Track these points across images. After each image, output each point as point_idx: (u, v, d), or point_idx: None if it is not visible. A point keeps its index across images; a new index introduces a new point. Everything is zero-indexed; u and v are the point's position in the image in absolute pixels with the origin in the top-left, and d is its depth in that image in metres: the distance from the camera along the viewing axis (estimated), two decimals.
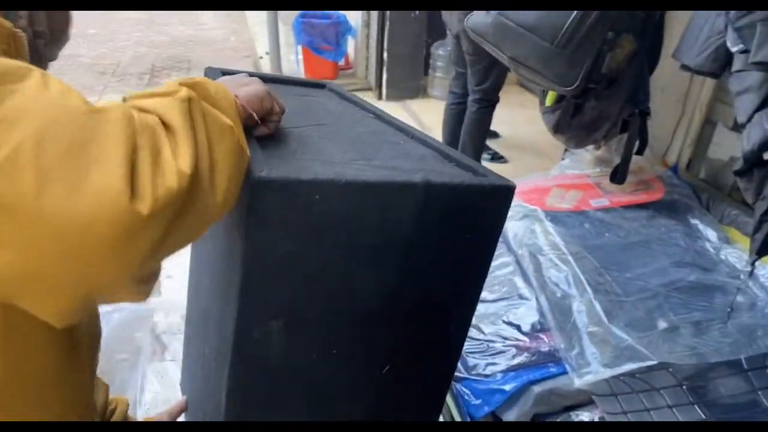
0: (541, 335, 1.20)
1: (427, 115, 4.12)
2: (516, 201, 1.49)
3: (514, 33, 1.45)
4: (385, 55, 4.42)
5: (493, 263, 1.40)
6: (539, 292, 1.29)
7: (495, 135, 3.75)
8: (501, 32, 1.48)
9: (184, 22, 7.53)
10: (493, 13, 1.49)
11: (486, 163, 3.85)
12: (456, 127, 3.10)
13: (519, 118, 4.00)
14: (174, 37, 6.75)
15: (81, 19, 7.22)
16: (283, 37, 5.24)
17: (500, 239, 1.43)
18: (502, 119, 3.49)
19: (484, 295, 1.33)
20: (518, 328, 1.24)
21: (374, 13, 4.41)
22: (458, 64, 3.00)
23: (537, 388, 1.13)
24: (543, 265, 1.34)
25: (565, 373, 1.11)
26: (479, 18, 1.56)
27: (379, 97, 4.60)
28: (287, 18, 5.06)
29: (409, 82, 4.56)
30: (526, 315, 1.27)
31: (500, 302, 1.30)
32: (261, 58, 5.45)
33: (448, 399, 1.06)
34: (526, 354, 1.18)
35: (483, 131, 3.06)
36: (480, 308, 1.28)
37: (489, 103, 2.94)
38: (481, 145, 3.12)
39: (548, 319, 1.21)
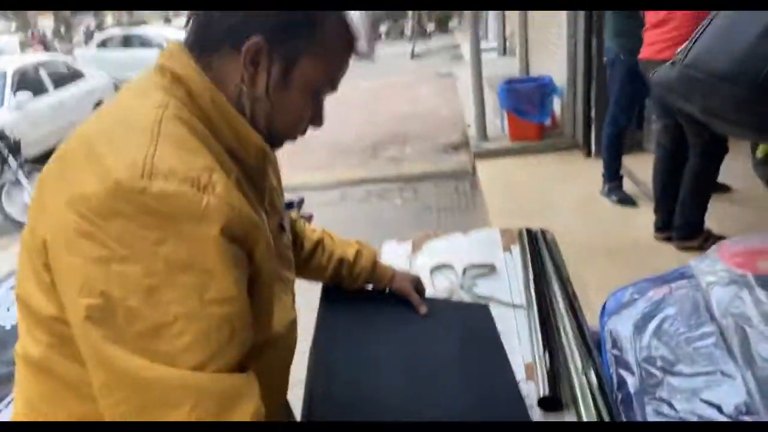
0: (747, 418, 1.04)
1: (643, 172, 3.85)
2: (722, 265, 1.34)
3: (703, 84, 1.34)
4: (593, 112, 4.29)
5: (693, 333, 1.27)
6: (745, 369, 1.12)
7: (725, 189, 3.33)
8: (688, 85, 1.38)
9: (403, 100, 8.31)
10: (678, 66, 1.40)
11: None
12: (669, 180, 2.86)
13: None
14: (393, 114, 7.47)
15: None
16: (491, 103, 5.46)
17: (703, 307, 1.30)
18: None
19: (679, 367, 1.21)
20: (719, 408, 1.08)
21: (579, 70, 4.35)
22: (664, 116, 2.80)
23: None
24: (751, 338, 1.17)
25: None
26: (664, 71, 1.47)
27: (588, 155, 4.45)
28: (495, 84, 5.28)
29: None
30: (729, 394, 1.11)
31: (698, 377, 1.16)
32: (468, 126, 5.73)
33: None
34: None
35: (706, 185, 2.76)
36: (673, 381, 1.17)
37: (713, 154, 2.66)
38: (705, 200, 2.81)
39: (755, 401, 1.04)
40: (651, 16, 2.68)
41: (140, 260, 0.57)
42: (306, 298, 1.28)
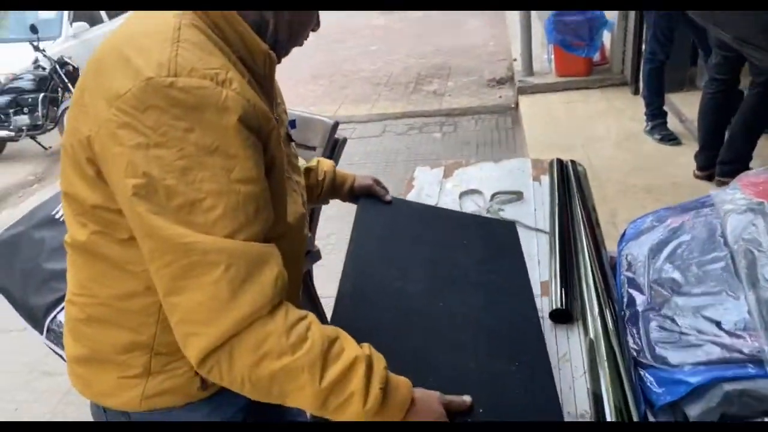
0: (744, 334, 1.10)
1: (691, 109, 3.74)
2: (741, 193, 1.36)
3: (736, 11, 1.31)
4: (644, 47, 4.13)
5: (705, 257, 1.32)
6: (748, 289, 1.17)
7: None
8: (722, 12, 1.34)
9: (450, 32, 8.10)
10: None
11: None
12: (719, 118, 2.79)
13: None
14: (438, 47, 7.32)
15: (365, 38, 8.36)
16: (538, 38, 5.30)
17: (717, 233, 1.34)
18: None
19: (687, 288, 1.27)
20: (718, 324, 1.15)
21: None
22: (721, 47, 2.68)
23: (727, 386, 1.05)
24: (758, 261, 1.21)
25: (766, 376, 1.02)
26: None
27: (636, 92, 4.32)
28: (544, 17, 5.11)
29: (672, 74, 4.17)
30: (730, 312, 1.16)
31: (703, 297, 1.22)
32: (515, 60, 5.59)
33: (628, 385, 1.07)
34: (722, 350, 1.10)
35: (760, 121, 2.68)
36: (679, 300, 1.24)
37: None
38: (756, 137, 2.74)
39: (755, 318, 1.10)
40: None
41: (173, 145, 0.67)
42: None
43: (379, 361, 0.76)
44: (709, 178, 2.92)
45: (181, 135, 0.67)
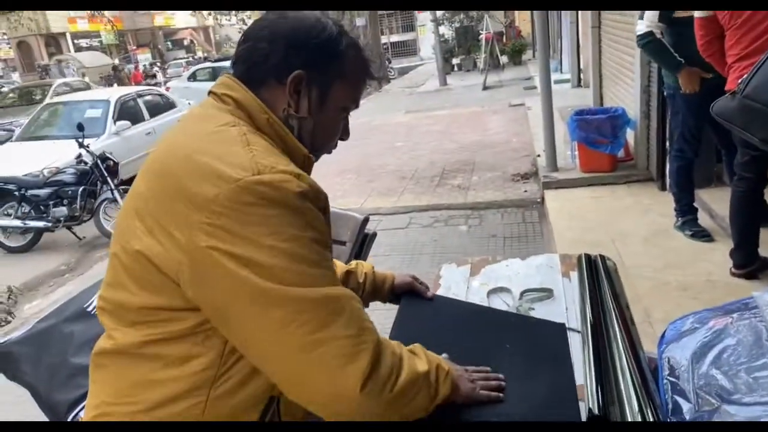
0: None
1: (720, 205, 3.71)
2: None
3: (762, 114, 1.33)
4: (668, 144, 4.19)
5: (754, 363, 1.25)
6: None
7: None
8: (747, 115, 1.37)
9: (473, 130, 8.37)
10: (738, 96, 1.40)
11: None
12: (751, 215, 2.75)
13: None
14: (463, 144, 7.54)
15: (390, 135, 8.68)
16: (561, 135, 5.43)
17: (765, 338, 1.28)
18: None
19: (737, 396, 1.19)
20: None
21: (653, 104, 4.28)
22: (747, 146, 2.70)
23: None
24: None
25: None
26: (723, 103, 1.47)
27: (663, 188, 4.33)
28: (567, 116, 5.26)
29: (699, 171, 4.19)
30: None
31: (755, 407, 1.14)
32: (538, 156, 5.71)
33: None
34: None
35: None
36: (730, 409, 1.16)
37: None
38: None
39: None
40: (736, 49, 2.60)
41: (272, 232, 0.75)
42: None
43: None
44: (747, 276, 2.84)
45: (276, 222, 0.76)
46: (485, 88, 12.61)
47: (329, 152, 1.05)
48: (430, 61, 20.06)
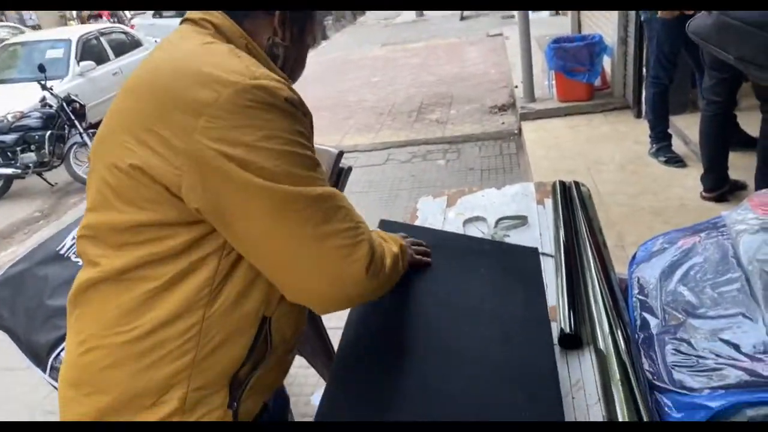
0: (764, 357, 1.07)
1: (694, 131, 3.74)
2: (753, 213, 1.35)
3: (739, 31, 1.32)
4: (644, 71, 4.16)
5: (719, 279, 1.30)
6: (766, 311, 1.14)
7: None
8: (723, 32, 1.35)
9: (451, 61, 8.21)
10: (714, 13, 1.38)
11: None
12: (720, 139, 2.78)
13: None
14: (440, 77, 7.41)
15: (367, 69, 8.48)
16: (539, 65, 5.36)
17: (730, 254, 1.32)
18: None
19: (702, 310, 1.24)
20: (737, 347, 1.12)
21: (631, 29, 4.21)
22: (715, 68, 2.69)
23: (750, 411, 1.02)
24: None
25: None
26: (700, 21, 1.45)
27: (638, 115, 4.34)
28: (545, 45, 5.17)
29: (674, 97, 4.19)
30: (748, 335, 1.13)
31: (719, 319, 1.19)
32: (516, 87, 5.64)
33: (644, 410, 1.04)
34: (742, 374, 1.06)
35: None
36: (695, 323, 1.21)
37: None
38: None
39: None
40: None
41: (274, 135, 0.79)
42: None
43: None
44: (717, 199, 2.90)
45: (274, 126, 0.79)
46: (463, 18, 12.29)
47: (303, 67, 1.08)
48: None
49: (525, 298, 1.18)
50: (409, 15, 14.34)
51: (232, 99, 0.77)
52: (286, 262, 0.81)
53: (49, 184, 5.60)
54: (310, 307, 0.88)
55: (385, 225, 1.38)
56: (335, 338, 1.94)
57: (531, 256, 1.36)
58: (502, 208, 1.69)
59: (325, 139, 5.29)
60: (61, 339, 1.26)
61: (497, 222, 1.62)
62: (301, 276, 0.82)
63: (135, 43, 8.62)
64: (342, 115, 6.36)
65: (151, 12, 14.14)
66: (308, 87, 7.93)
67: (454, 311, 1.12)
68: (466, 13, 12.50)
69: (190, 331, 0.81)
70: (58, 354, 1.26)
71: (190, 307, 0.82)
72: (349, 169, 1.86)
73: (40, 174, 5.50)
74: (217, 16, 0.91)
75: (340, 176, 1.82)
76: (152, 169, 0.79)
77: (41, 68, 5.55)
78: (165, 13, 13.51)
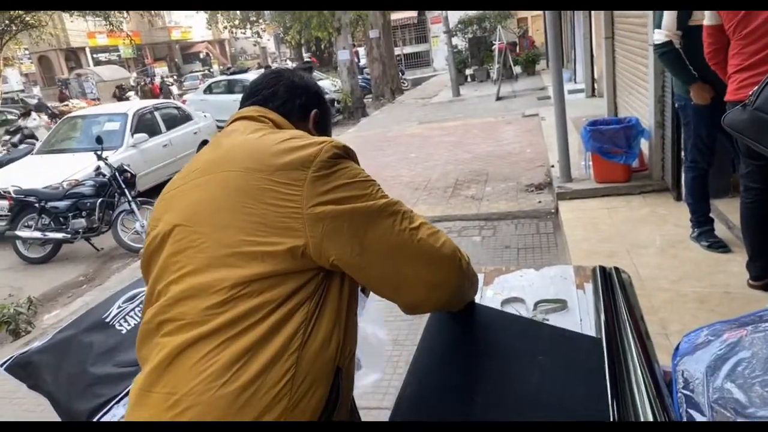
0: None
1: (738, 216, 3.67)
2: None
3: None
4: (683, 154, 4.16)
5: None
6: None
7: None
8: (758, 126, 1.37)
9: (486, 140, 8.37)
10: (749, 109, 1.40)
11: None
12: (762, 226, 2.72)
13: None
14: (476, 154, 7.54)
15: (404, 146, 8.70)
16: (575, 146, 5.42)
17: None
18: None
19: (751, 410, 1.18)
20: None
21: (668, 114, 4.25)
22: (750, 156, 2.67)
23: None
24: None
25: None
26: (735, 115, 1.47)
27: (678, 198, 4.29)
28: (581, 126, 5.24)
29: (715, 180, 4.15)
30: None
31: None
32: (552, 166, 5.69)
33: None
34: None
35: None
36: None
37: None
38: None
39: None
40: (737, 60, 2.61)
41: (362, 179, 1.02)
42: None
43: None
44: (765, 287, 2.80)
45: (353, 167, 1.03)
46: (499, 98, 12.62)
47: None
48: (443, 72, 20.12)
49: (585, 394, 1.14)
50: (446, 95, 14.82)
51: (324, 156, 0.99)
52: (407, 258, 0.99)
53: (95, 249, 5.81)
54: (421, 302, 1.04)
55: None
56: (368, 417, 1.89)
57: (593, 346, 1.32)
58: (540, 291, 1.67)
59: None
60: (100, 407, 1.28)
61: (536, 304, 1.60)
62: (413, 267, 0.99)
63: (185, 117, 9.13)
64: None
65: (203, 88, 15.02)
66: None
67: (509, 398, 1.09)
68: (501, 93, 12.85)
69: (285, 376, 0.86)
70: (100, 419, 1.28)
71: (286, 352, 0.88)
72: None
73: (87, 239, 5.72)
74: (272, 114, 1.18)
75: None
76: (276, 246, 0.93)
77: (98, 140, 5.91)
78: (215, 89, 14.33)
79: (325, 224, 0.95)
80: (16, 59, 25.39)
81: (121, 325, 1.47)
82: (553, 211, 4.93)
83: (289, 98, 1.23)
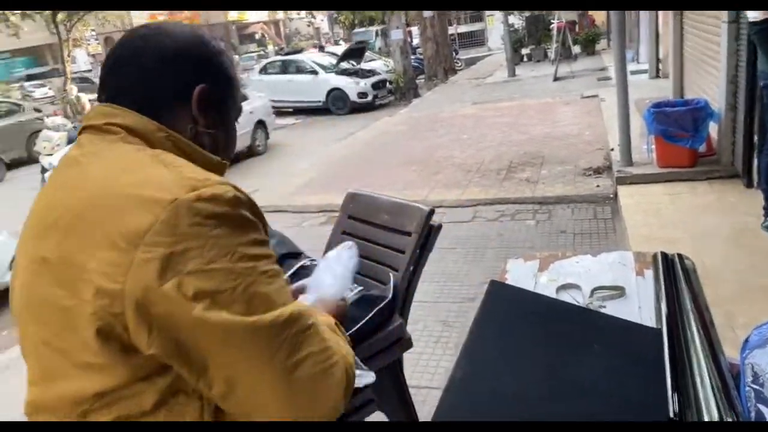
0: None
1: None
2: None
3: None
4: (756, 138, 3.92)
5: None
6: None
7: None
8: None
9: (543, 121, 8.15)
10: None
11: None
12: None
13: None
14: (532, 136, 7.36)
15: (456, 127, 8.60)
16: (636, 128, 5.20)
17: None
18: None
19: None
20: None
21: (741, 96, 4.01)
22: None
23: None
24: None
25: None
26: None
27: (749, 185, 4.06)
28: (643, 108, 5.02)
29: None
30: None
31: None
32: (612, 150, 5.49)
33: None
34: None
35: None
36: None
37: None
38: None
39: None
40: None
41: (224, 253, 0.68)
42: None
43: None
44: None
45: (225, 242, 0.69)
46: (556, 79, 12.24)
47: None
48: (498, 52, 19.65)
49: (643, 386, 1.10)
50: (501, 75, 14.49)
51: (172, 220, 0.66)
52: (264, 397, 0.71)
53: None
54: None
55: (495, 287, 1.34)
56: (417, 397, 1.91)
57: (652, 337, 1.27)
58: (598, 277, 1.62)
59: (411, 194, 5.38)
60: None
61: (593, 291, 1.55)
62: (280, 411, 0.72)
63: (241, 97, 9.29)
64: (430, 170, 6.45)
65: (258, 68, 15.25)
66: (400, 141, 8.15)
67: (563, 388, 1.06)
68: (559, 73, 12.45)
69: None
70: None
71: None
72: (439, 226, 1.88)
73: None
74: (123, 115, 0.80)
75: (429, 234, 1.84)
76: (95, 323, 0.67)
77: None
78: (270, 69, 14.52)
79: (150, 312, 0.66)
80: (83, 40, 26.47)
81: None
82: (611, 196, 4.77)
83: (154, 79, 0.82)
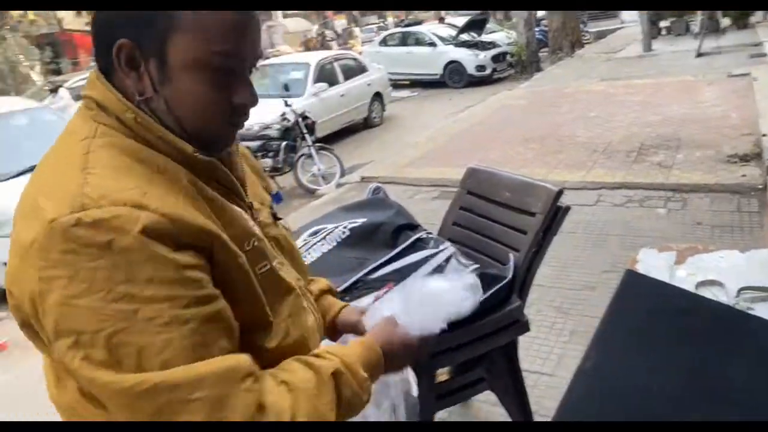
0: None
1: None
2: None
3: None
4: None
5: None
6: None
7: None
8: None
9: (681, 101, 7.47)
10: None
11: None
12: None
13: None
14: (667, 117, 6.78)
15: (582, 104, 8.13)
16: None
17: None
18: None
19: None
20: None
21: None
22: None
23: None
24: None
25: None
26: None
27: None
28: None
29: None
30: None
31: None
32: (764, 135, 4.91)
33: None
34: None
35: None
36: None
37: None
38: None
39: None
40: None
41: (99, 289, 0.59)
42: None
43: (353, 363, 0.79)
44: None
45: (104, 276, 0.60)
46: (699, 54, 11.12)
47: (225, 133, 0.77)
48: (632, 24, 18.17)
49: None
50: (635, 49, 13.44)
51: (45, 244, 0.60)
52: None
53: (279, 187, 6.39)
54: None
55: (631, 277, 1.27)
56: (527, 380, 1.86)
57: None
58: (746, 276, 1.47)
59: (530, 172, 5.19)
60: None
61: (739, 291, 1.41)
62: None
63: (361, 69, 9.47)
64: (551, 149, 6.17)
65: (378, 40, 15.38)
66: (519, 116, 7.88)
67: (705, 390, 0.99)
68: (704, 48, 11.30)
69: None
70: None
71: None
72: (567, 208, 1.78)
73: (272, 178, 6.30)
74: (96, 87, 0.72)
75: (556, 215, 1.75)
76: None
77: (286, 87, 6.38)
78: (389, 41, 14.59)
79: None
80: None
81: (304, 257, 1.59)
82: (760, 186, 4.28)
83: (103, 39, 0.70)
